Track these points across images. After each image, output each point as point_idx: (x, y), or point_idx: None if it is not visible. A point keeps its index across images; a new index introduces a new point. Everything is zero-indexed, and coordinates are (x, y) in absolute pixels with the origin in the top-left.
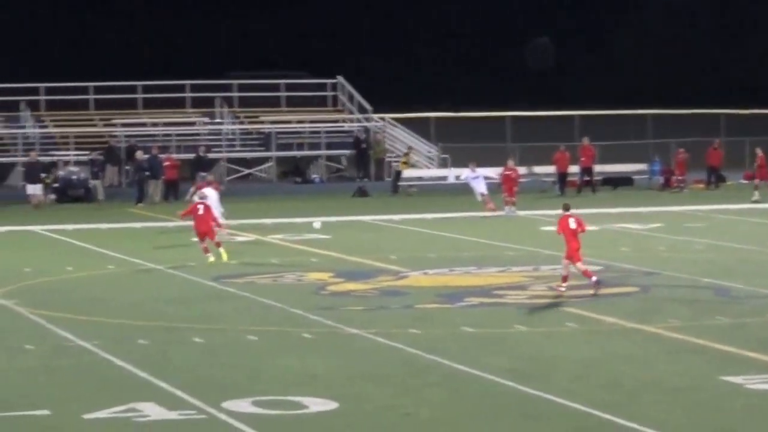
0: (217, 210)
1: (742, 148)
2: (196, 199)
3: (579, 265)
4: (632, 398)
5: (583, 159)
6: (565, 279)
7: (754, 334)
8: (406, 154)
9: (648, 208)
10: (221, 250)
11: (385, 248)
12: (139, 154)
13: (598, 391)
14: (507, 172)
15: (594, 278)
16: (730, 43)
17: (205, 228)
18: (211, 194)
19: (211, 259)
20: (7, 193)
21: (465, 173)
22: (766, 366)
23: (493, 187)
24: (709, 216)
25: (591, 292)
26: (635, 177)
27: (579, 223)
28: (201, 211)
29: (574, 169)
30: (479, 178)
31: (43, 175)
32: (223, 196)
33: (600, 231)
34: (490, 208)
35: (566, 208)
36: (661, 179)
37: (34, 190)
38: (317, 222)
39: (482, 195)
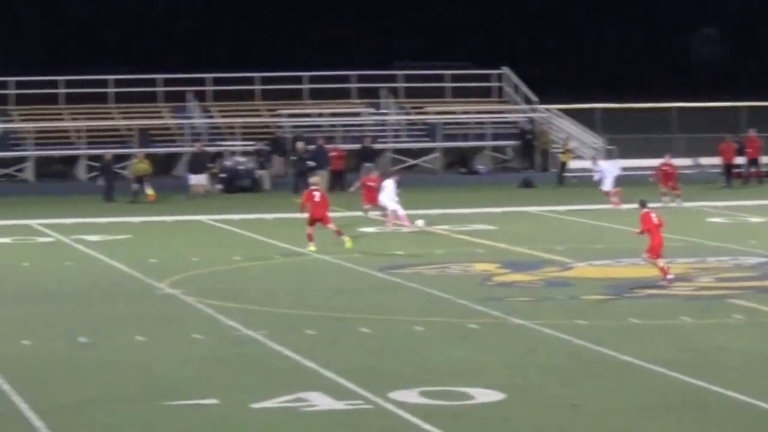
0: (392, 200)
1: None
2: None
3: (659, 261)
4: None
5: (749, 150)
6: (665, 271)
7: None
8: (565, 145)
9: None
10: (344, 238)
11: (551, 239)
12: (300, 146)
13: (764, 382)
14: (664, 168)
15: (670, 276)
16: None
17: (319, 214)
18: (388, 185)
19: (312, 248)
20: (173, 183)
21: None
22: None
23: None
24: None
25: (662, 284)
26: None
27: (659, 219)
28: (317, 198)
29: (740, 160)
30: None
31: (209, 165)
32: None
33: (765, 223)
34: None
35: (644, 204)
36: None
37: (197, 180)
38: (420, 221)
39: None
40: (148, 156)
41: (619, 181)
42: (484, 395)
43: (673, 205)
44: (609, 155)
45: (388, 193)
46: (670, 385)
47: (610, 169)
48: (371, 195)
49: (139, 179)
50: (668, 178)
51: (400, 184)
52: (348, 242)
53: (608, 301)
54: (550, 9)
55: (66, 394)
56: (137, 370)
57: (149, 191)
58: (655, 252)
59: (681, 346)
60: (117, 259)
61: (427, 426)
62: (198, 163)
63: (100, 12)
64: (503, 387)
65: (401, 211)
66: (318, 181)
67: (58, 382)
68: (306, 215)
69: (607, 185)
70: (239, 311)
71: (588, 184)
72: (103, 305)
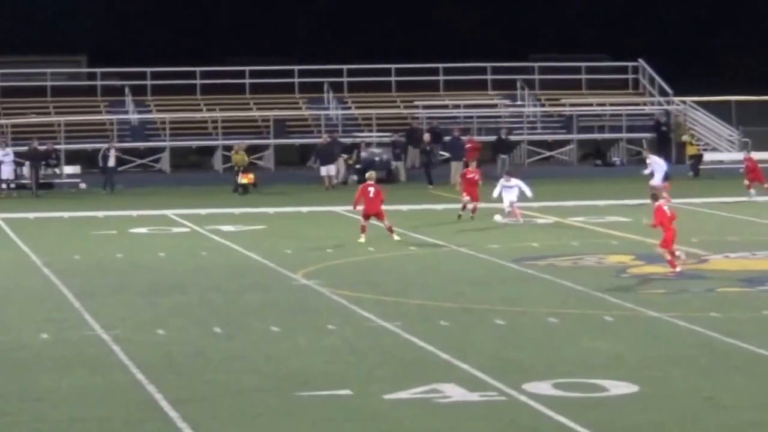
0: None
1: None
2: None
3: (667, 253)
4: None
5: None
6: (673, 264)
7: None
8: (690, 135)
9: None
10: (395, 235)
11: (686, 231)
12: (426, 137)
13: None
14: (747, 163)
15: (678, 269)
16: None
17: (374, 210)
18: (516, 182)
19: (362, 240)
20: (308, 174)
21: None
22: None
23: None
24: None
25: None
26: None
27: (672, 212)
28: (372, 194)
29: None
30: (513, 188)
31: (344, 156)
32: (524, 178)
33: None
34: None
35: (656, 197)
36: None
37: (328, 170)
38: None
39: (510, 203)
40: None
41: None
42: (618, 387)
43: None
44: (744, 147)
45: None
46: None
47: (661, 164)
48: (470, 188)
49: (238, 170)
50: (750, 171)
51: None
52: (395, 237)
53: (744, 294)
54: (686, 3)
55: (200, 384)
56: (271, 361)
57: (243, 179)
58: (667, 245)
59: None
60: (252, 249)
61: (560, 418)
62: (328, 155)
63: (236, 4)
64: (637, 379)
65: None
66: (373, 176)
67: (192, 372)
68: (360, 209)
69: (657, 180)
70: (373, 302)
71: (724, 176)
72: (238, 295)
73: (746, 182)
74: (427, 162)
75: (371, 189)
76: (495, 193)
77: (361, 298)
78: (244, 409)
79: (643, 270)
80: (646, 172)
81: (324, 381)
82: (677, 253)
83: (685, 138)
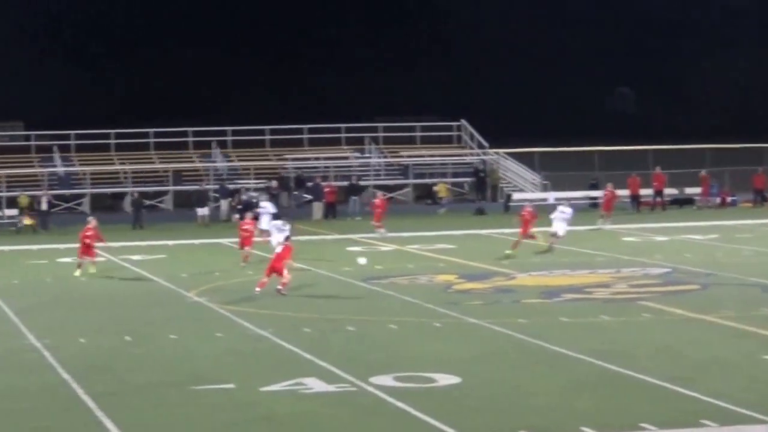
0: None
1: None
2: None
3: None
4: (696, 373)
5: (655, 184)
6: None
7: None
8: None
9: (707, 222)
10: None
11: (499, 255)
12: (274, 183)
13: (669, 368)
14: (606, 192)
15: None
16: None
17: (248, 242)
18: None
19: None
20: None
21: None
22: None
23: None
24: (755, 228)
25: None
26: (696, 198)
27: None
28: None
29: (648, 191)
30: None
31: (229, 198)
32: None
33: (669, 241)
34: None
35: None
36: (717, 200)
37: (202, 211)
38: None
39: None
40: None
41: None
42: (444, 379)
43: (605, 227)
44: (544, 189)
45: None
46: (593, 370)
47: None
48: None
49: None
50: (609, 203)
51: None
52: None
53: (544, 304)
54: (502, 69)
55: (114, 382)
56: (170, 362)
57: (27, 221)
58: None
59: (601, 340)
60: (155, 274)
61: (399, 404)
62: (201, 199)
63: (144, 79)
64: (460, 372)
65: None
66: (248, 216)
67: (108, 372)
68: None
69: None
70: (251, 314)
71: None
72: (144, 310)
73: (601, 212)
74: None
75: (248, 226)
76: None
77: (241, 311)
78: (149, 401)
79: (465, 286)
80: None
81: (212, 377)
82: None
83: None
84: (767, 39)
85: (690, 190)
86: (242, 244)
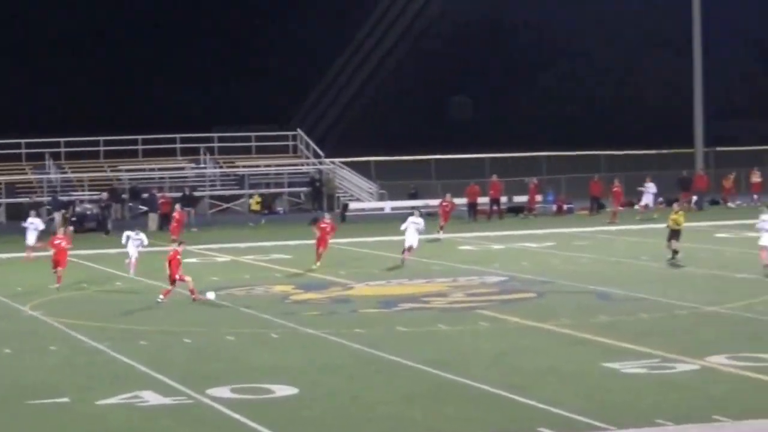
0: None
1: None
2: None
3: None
4: (533, 381)
5: (492, 192)
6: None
7: (628, 329)
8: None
9: (543, 230)
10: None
11: (335, 265)
12: (104, 195)
13: (505, 376)
14: (444, 204)
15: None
16: (608, 104)
17: (62, 257)
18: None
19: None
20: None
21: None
22: (638, 355)
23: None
24: (592, 236)
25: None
26: (536, 206)
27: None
28: (63, 244)
29: (485, 200)
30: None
31: (63, 210)
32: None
33: (506, 249)
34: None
35: (315, 221)
36: (554, 207)
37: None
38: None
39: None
40: None
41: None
42: (282, 390)
43: (439, 235)
44: (381, 198)
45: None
46: (430, 379)
47: None
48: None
49: None
50: (447, 213)
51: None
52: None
53: (381, 314)
54: (338, 79)
55: None
56: (5, 377)
57: None
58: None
59: (438, 348)
60: None
61: (236, 415)
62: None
63: None
64: (297, 383)
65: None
66: (61, 231)
67: None
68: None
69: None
70: (87, 327)
71: (365, 221)
72: None
73: (441, 223)
74: (104, 216)
75: (61, 241)
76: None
77: (76, 324)
78: None
79: (302, 296)
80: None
81: (48, 391)
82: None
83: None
84: (607, 51)
85: (519, 199)
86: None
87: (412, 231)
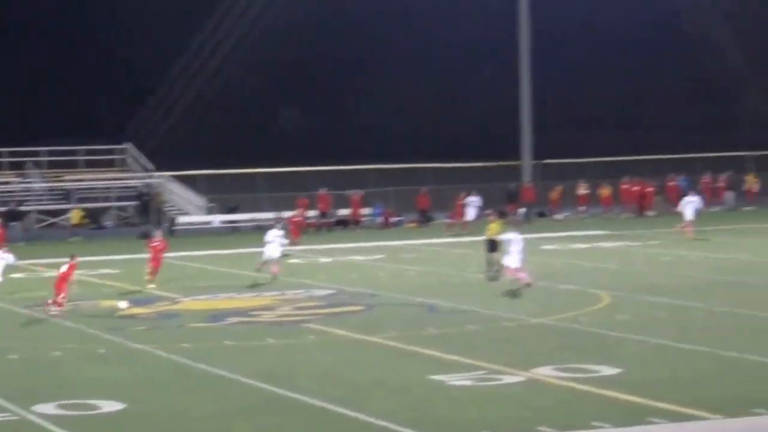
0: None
1: (445, 193)
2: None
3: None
4: (360, 394)
5: (320, 205)
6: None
7: (455, 341)
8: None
9: (372, 243)
10: None
11: (162, 279)
12: None
13: (333, 390)
14: (296, 219)
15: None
16: (436, 117)
17: None
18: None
19: None
20: None
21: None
22: (465, 367)
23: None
24: (420, 248)
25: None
26: (362, 219)
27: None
28: None
29: (313, 213)
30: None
31: None
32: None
33: (334, 262)
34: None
35: (147, 234)
36: (381, 220)
37: None
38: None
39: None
40: None
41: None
42: (108, 405)
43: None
44: (209, 212)
45: None
46: (258, 393)
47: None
48: None
49: None
50: (297, 227)
51: None
52: None
53: (209, 328)
54: (168, 89)
55: None
56: None
57: None
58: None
59: (267, 362)
60: None
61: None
62: None
63: None
64: (124, 398)
65: None
66: None
67: None
68: None
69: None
70: None
71: (194, 235)
72: None
73: (292, 238)
74: None
75: None
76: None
77: None
78: None
79: (129, 311)
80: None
81: None
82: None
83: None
84: (434, 63)
85: (344, 211)
86: None
87: (274, 244)
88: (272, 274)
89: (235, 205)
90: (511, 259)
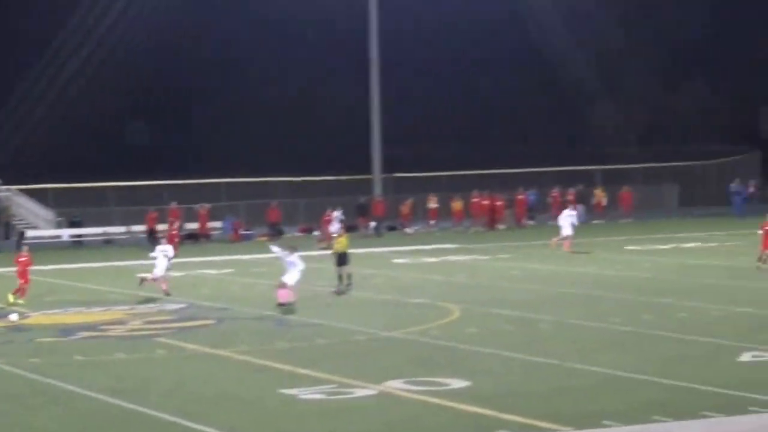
0: None
1: (296, 207)
2: None
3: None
4: (211, 408)
5: (171, 219)
6: None
7: (305, 355)
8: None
9: (222, 257)
10: None
11: (9, 293)
12: None
13: (183, 404)
14: (173, 231)
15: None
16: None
17: None
18: None
19: None
20: None
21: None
22: (316, 380)
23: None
24: (270, 262)
25: None
26: (211, 232)
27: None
28: None
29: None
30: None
31: None
32: None
33: (184, 276)
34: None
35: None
36: (231, 233)
37: None
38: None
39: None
40: None
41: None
42: None
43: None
44: (59, 225)
45: None
46: (108, 409)
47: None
48: None
49: None
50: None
51: None
52: None
53: (59, 342)
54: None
55: None
56: None
57: None
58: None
59: (116, 377)
60: None
61: None
62: None
63: None
64: None
65: None
66: None
67: None
68: None
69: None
70: None
71: (43, 249)
72: None
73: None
74: None
75: None
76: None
77: None
78: None
79: None
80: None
81: None
82: None
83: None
84: (285, 76)
85: (191, 225)
86: None
87: (161, 258)
88: (164, 291)
89: (79, 219)
90: (290, 276)
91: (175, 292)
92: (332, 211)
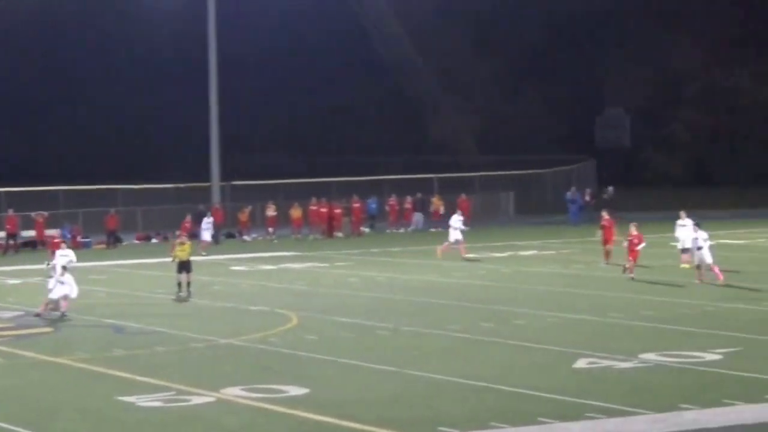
0: None
1: (135, 215)
2: None
3: None
4: (47, 416)
5: (8, 226)
6: None
7: (143, 362)
8: None
9: None
10: None
11: None
12: None
13: (20, 412)
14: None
15: None
16: (127, 138)
17: None
18: None
19: None
20: None
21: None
22: (154, 388)
23: None
24: (108, 269)
25: None
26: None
27: None
28: None
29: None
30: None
31: None
32: None
33: (22, 283)
34: None
35: None
36: (70, 241)
37: None
38: None
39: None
40: None
41: None
42: None
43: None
44: None
45: None
46: None
47: None
48: None
49: None
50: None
51: None
52: None
53: None
54: None
55: None
56: None
57: None
58: None
59: None
60: None
61: None
62: None
63: None
64: None
65: None
66: None
67: None
68: None
69: None
70: None
71: None
72: None
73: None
74: None
75: None
76: None
77: None
78: None
79: None
80: None
81: None
82: None
83: None
84: (123, 84)
85: (28, 233)
86: None
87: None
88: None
89: None
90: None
91: (11, 299)
92: (191, 218)
